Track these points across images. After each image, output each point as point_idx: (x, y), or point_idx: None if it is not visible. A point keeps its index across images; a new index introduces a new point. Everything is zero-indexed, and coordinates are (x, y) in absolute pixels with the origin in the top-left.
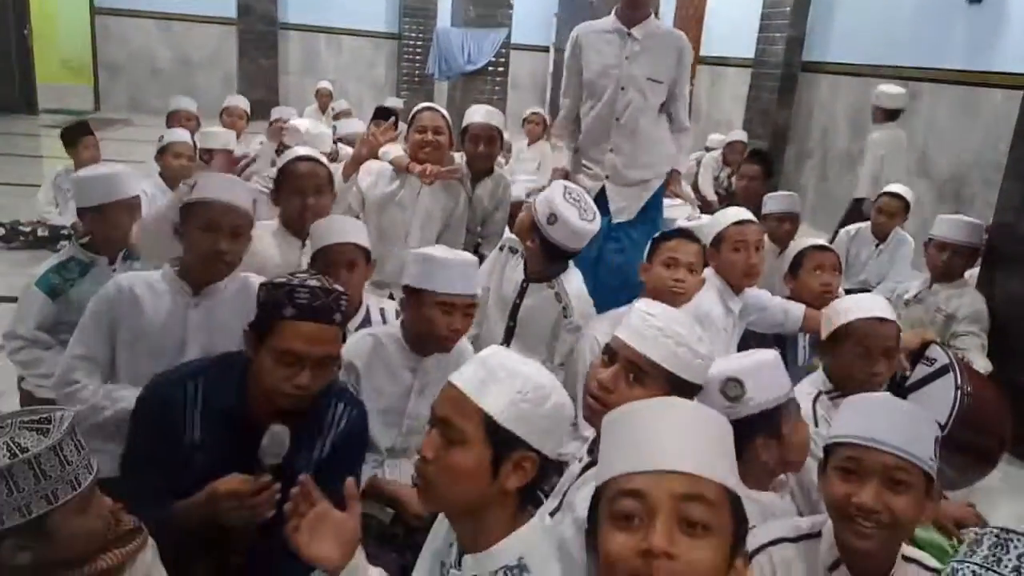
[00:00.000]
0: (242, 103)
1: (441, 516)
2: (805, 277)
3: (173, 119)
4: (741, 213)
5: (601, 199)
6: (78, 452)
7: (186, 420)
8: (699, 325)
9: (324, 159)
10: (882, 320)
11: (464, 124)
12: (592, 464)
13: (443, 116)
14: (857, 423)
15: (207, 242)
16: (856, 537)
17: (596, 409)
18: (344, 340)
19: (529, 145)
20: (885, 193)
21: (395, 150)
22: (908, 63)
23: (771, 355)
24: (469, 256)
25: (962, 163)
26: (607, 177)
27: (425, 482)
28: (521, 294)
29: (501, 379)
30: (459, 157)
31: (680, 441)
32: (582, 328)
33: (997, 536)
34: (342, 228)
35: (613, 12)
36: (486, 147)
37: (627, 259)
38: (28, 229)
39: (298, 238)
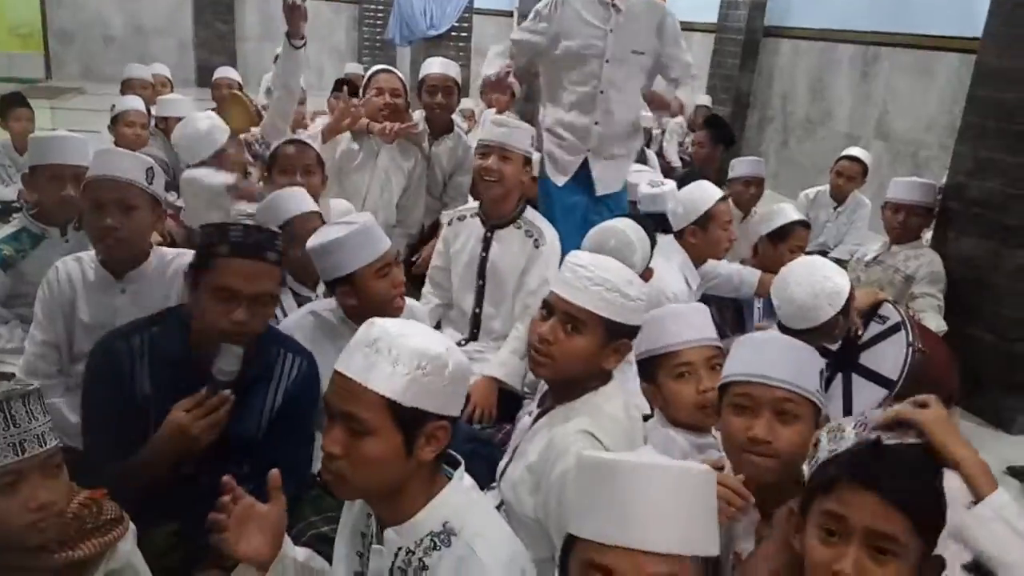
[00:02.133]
0: (231, 74)
1: None
2: (782, 252)
3: (127, 87)
4: (719, 191)
5: (580, 173)
6: (44, 416)
7: (135, 374)
8: (665, 301)
9: (312, 142)
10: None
11: (420, 76)
12: (543, 414)
13: (399, 78)
14: (747, 361)
15: (94, 219)
16: (752, 467)
17: (540, 361)
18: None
19: (498, 113)
20: (844, 156)
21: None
22: (866, 27)
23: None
24: (365, 220)
25: (919, 126)
26: (589, 151)
27: (337, 477)
28: (486, 245)
29: (395, 358)
30: (418, 116)
31: (660, 514)
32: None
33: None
34: (305, 199)
35: None
36: (444, 97)
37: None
38: None
39: None
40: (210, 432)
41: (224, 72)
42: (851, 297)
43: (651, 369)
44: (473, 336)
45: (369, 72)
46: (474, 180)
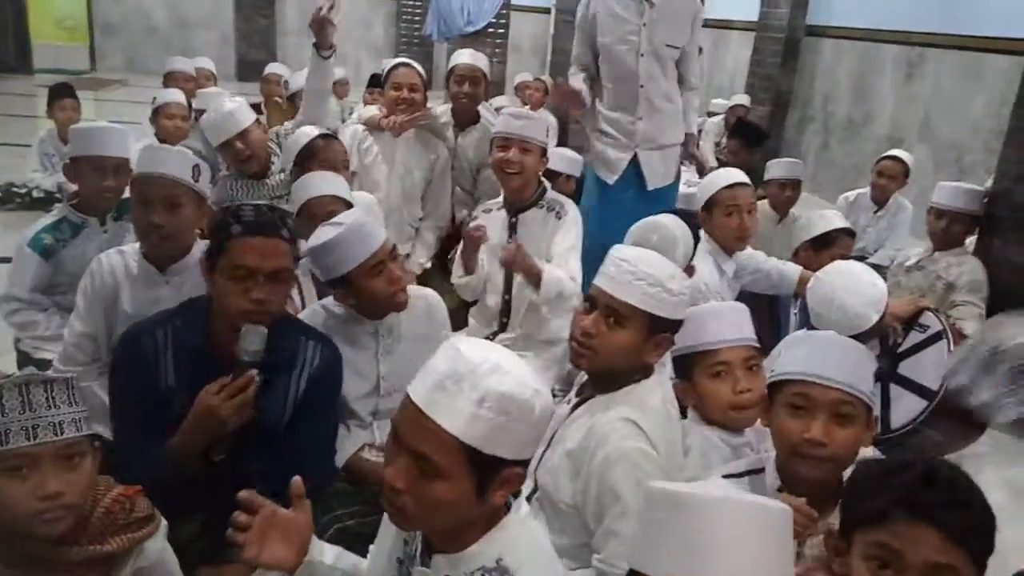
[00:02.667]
0: (280, 70)
1: None
2: (824, 259)
3: (169, 80)
4: (732, 175)
5: (630, 170)
6: (68, 406)
7: (159, 366)
8: (697, 293)
9: (339, 137)
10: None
11: (449, 66)
12: (582, 403)
13: (418, 72)
14: (804, 360)
15: (141, 215)
16: (805, 468)
17: (581, 353)
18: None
19: (533, 110)
20: (885, 157)
21: (370, 110)
22: (912, 28)
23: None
24: (357, 216)
25: (964, 130)
26: (638, 146)
27: (399, 511)
28: (512, 231)
29: (480, 400)
30: (443, 108)
31: (733, 554)
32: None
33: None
34: (320, 182)
35: None
36: (471, 87)
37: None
38: (24, 191)
39: None
40: (239, 413)
41: (273, 68)
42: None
43: (687, 366)
44: (502, 327)
45: (388, 66)
46: (493, 168)
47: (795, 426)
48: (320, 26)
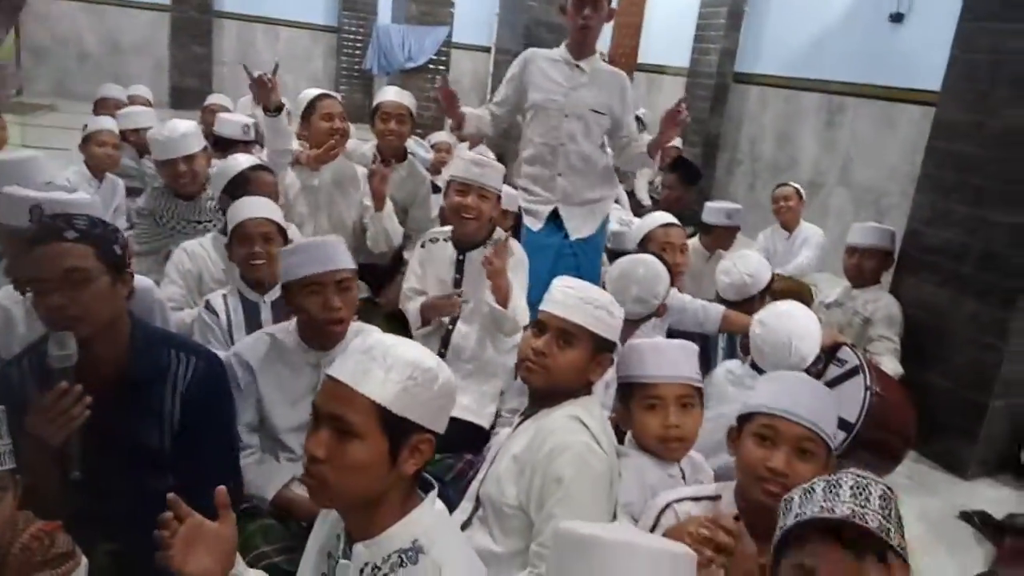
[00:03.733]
0: (222, 100)
1: (324, 511)
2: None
3: (101, 107)
4: (666, 217)
5: (553, 219)
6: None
7: (27, 393)
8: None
9: (269, 166)
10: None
11: (375, 103)
12: (527, 418)
13: (339, 101)
14: (774, 395)
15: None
16: (764, 495)
17: (533, 370)
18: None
19: (471, 148)
20: (778, 185)
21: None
22: (833, 77)
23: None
24: (328, 237)
25: (881, 175)
26: (559, 200)
27: (320, 482)
28: (459, 268)
29: (389, 366)
30: (368, 146)
31: None
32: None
33: (827, 481)
34: (256, 204)
35: (563, 45)
36: (397, 124)
37: (581, 274)
38: None
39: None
40: (60, 433)
41: (215, 99)
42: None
43: (627, 394)
44: (441, 355)
45: (309, 97)
46: (444, 212)
47: (759, 454)
48: (260, 86)
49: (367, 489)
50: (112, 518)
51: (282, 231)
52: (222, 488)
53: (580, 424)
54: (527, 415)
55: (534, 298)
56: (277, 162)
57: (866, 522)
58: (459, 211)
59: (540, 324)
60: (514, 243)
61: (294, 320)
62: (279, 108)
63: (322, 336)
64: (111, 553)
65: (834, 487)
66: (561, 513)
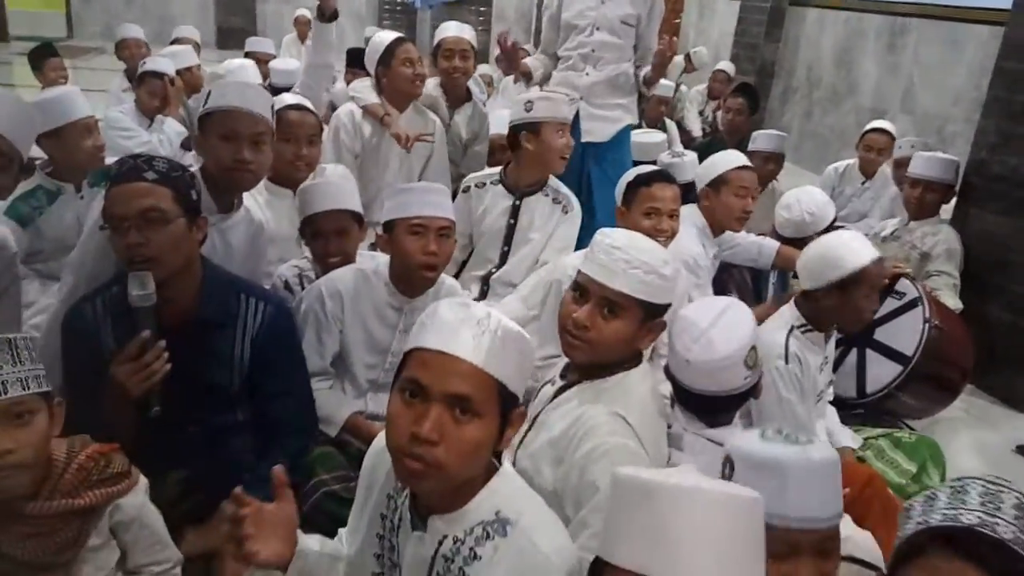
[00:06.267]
0: (268, 46)
1: (374, 464)
2: (726, 197)
3: (122, 49)
4: (741, 158)
5: (575, 128)
6: (9, 365)
7: (100, 333)
8: (686, 269)
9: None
10: (882, 259)
11: (436, 41)
12: (566, 387)
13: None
14: (777, 501)
15: (228, 152)
16: None
17: (576, 345)
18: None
19: (516, 81)
20: (871, 129)
21: (367, 91)
22: None
23: (744, 312)
24: (438, 185)
25: (946, 100)
26: (583, 98)
27: (432, 465)
28: (514, 213)
29: (504, 340)
30: (432, 83)
31: (700, 545)
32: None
33: (952, 487)
34: (331, 194)
35: None
36: (461, 61)
37: (601, 191)
38: None
39: (288, 188)
40: (143, 385)
41: (259, 45)
42: (862, 278)
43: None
44: (483, 294)
45: (385, 42)
46: (492, 149)
47: (782, 572)
48: None
49: (474, 470)
50: (183, 449)
51: (358, 218)
52: (278, 468)
53: (623, 423)
54: (570, 383)
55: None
56: (317, 77)
57: (996, 533)
58: (564, 152)
59: (581, 288)
60: (572, 197)
61: (386, 260)
62: (334, 16)
63: (412, 280)
64: (181, 481)
65: (960, 493)
66: (596, 523)
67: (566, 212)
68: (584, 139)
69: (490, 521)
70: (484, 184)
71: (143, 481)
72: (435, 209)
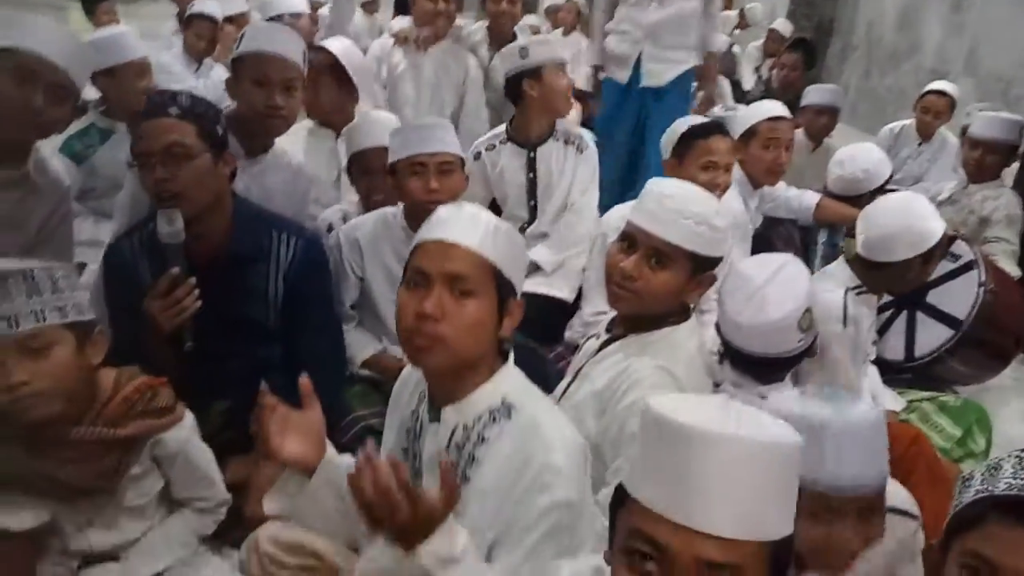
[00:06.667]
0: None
1: (399, 389)
2: (755, 151)
3: None
4: (776, 108)
5: (636, 74)
6: (28, 297)
7: (138, 273)
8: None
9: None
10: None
11: None
12: (611, 341)
13: None
14: (817, 464)
15: (259, 98)
16: (829, 571)
17: (622, 296)
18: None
19: (565, 35)
20: (929, 91)
21: (400, 22)
22: None
23: (800, 270)
24: (438, 119)
25: (1012, 62)
26: (646, 38)
27: (435, 340)
28: (531, 166)
29: (495, 230)
30: (478, 26)
31: (730, 493)
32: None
33: (1018, 456)
34: (377, 132)
35: None
36: (509, 5)
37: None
38: None
39: (332, 129)
40: (174, 320)
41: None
42: (939, 246)
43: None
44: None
45: None
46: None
47: (818, 533)
48: None
49: (476, 348)
50: (225, 382)
51: (463, 164)
52: (305, 379)
53: (669, 377)
54: (615, 336)
55: (606, 178)
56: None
57: None
58: (568, 93)
59: (629, 238)
60: (584, 133)
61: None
62: None
63: (421, 220)
64: (223, 412)
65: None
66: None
67: (581, 151)
68: (644, 83)
69: (496, 407)
70: (494, 146)
71: (189, 417)
72: (434, 144)
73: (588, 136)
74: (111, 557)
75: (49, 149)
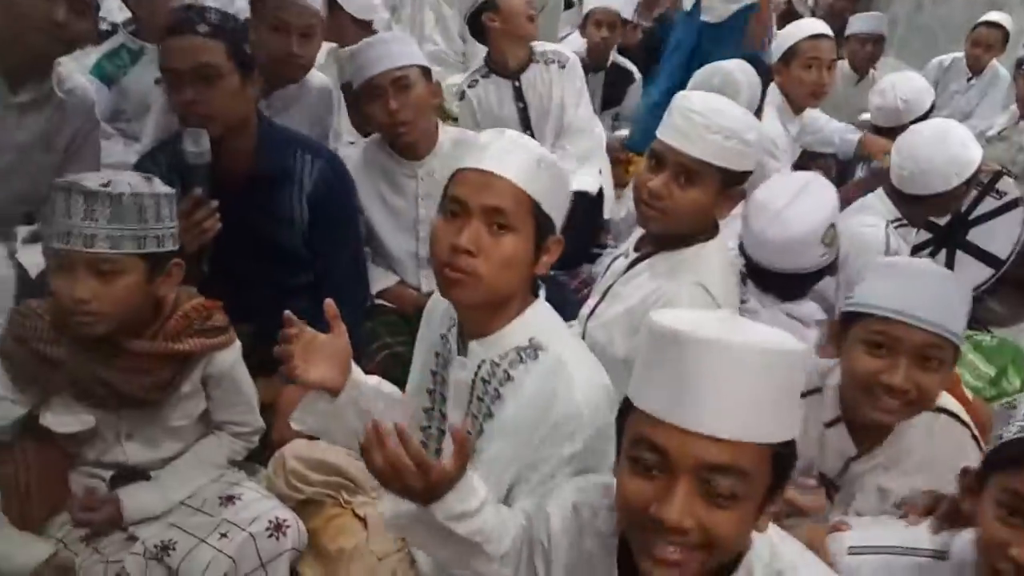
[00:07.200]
0: None
1: (431, 308)
2: (796, 71)
3: None
4: (816, 25)
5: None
6: (107, 221)
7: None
8: (764, 154)
9: None
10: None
11: (585, 11)
12: (640, 259)
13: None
14: (891, 295)
15: (278, 43)
16: (880, 412)
17: (651, 216)
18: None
19: None
20: (981, 23)
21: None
22: None
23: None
24: (389, 32)
25: None
26: None
27: (470, 275)
28: (519, 96)
29: (537, 161)
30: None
31: (727, 396)
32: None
33: None
34: (379, 55)
35: None
36: (608, 31)
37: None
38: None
39: None
40: (195, 242)
41: None
42: (979, 172)
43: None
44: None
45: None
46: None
47: (873, 365)
48: None
49: (510, 286)
50: (249, 305)
51: (427, 73)
52: (330, 301)
53: (704, 294)
54: (644, 255)
55: (663, 103)
56: None
57: None
58: (529, 11)
59: (657, 156)
60: (561, 48)
61: None
62: None
63: (396, 144)
64: (249, 335)
65: None
66: None
67: (563, 66)
68: (703, 17)
69: (524, 347)
70: (476, 81)
71: (238, 343)
72: (384, 62)
73: (565, 51)
74: (142, 475)
75: (80, 71)
